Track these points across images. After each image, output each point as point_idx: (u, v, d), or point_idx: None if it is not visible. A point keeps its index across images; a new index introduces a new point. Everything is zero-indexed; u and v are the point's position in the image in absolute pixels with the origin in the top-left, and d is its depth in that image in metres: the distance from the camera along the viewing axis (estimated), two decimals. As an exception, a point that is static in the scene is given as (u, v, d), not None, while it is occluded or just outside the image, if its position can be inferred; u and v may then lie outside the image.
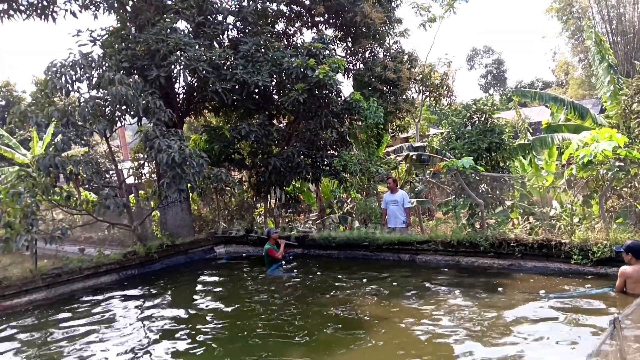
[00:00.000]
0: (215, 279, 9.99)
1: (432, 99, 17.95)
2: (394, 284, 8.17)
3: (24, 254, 14.73)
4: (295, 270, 9.65)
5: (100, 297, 9.15)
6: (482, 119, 11.83)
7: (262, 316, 7.06)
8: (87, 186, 11.42)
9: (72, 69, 10.06)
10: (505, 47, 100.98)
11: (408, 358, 5.23)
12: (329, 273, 9.21)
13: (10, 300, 9.04)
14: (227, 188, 14.35)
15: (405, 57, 15.67)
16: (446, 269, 8.69)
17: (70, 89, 10.09)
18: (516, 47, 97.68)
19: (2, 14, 11.47)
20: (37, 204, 8.97)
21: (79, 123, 9.66)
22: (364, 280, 8.39)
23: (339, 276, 8.87)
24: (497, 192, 10.80)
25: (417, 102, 17.97)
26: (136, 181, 14.76)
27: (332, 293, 7.89)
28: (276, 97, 13.36)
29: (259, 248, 11.45)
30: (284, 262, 9.67)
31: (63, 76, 9.90)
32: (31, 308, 8.88)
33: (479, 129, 11.51)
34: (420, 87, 17.32)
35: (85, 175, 9.54)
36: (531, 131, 15.54)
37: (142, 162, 13.32)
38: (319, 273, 9.30)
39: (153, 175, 14.26)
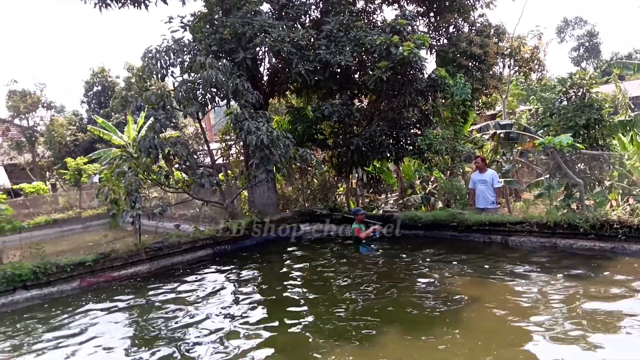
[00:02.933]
0: (302, 255, 10.23)
1: (521, 74, 17.03)
2: (485, 266, 7.95)
3: (125, 230, 15.96)
4: (381, 250, 9.67)
5: (197, 271, 9.73)
6: (579, 93, 11.09)
7: (351, 294, 7.13)
8: (179, 166, 12.07)
9: (166, 54, 10.58)
10: (598, 17, 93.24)
11: (499, 347, 5.05)
12: (415, 253, 9.14)
13: (118, 272, 9.83)
14: (309, 168, 14.59)
15: (492, 30, 14.96)
16: (541, 251, 8.33)
17: (165, 73, 10.62)
18: (610, 17, 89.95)
19: (100, 4, 12.24)
20: (139, 182, 9.60)
21: (175, 106, 10.15)
22: (454, 262, 8.25)
23: (426, 257, 8.78)
24: (596, 171, 10.15)
25: (505, 78, 17.13)
26: (224, 161, 15.40)
27: (419, 273, 7.86)
28: (357, 76, 13.30)
29: (343, 227, 11.59)
30: (372, 242, 9.70)
31: (158, 62, 10.43)
32: (137, 279, 9.64)
33: (576, 104, 10.81)
34: (509, 62, 16.48)
35: (181, 156, 10.04)
36: (632, 107, 14.37)
37: (230, 143, 13.85)
38: (405, 253, 9.25)
39: (240, 156, 14.82)
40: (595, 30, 50.78)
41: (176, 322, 6.80)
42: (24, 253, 10.44)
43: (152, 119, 10.36)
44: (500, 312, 5.89)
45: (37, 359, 6.04)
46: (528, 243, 8.74)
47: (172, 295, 8.16)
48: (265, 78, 13.58)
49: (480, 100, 15.25)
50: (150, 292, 8.58)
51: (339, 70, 12.17)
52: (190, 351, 5.68)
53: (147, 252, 10.20)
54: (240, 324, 6.45)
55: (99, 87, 31.63)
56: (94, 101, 31.59)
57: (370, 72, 12.57)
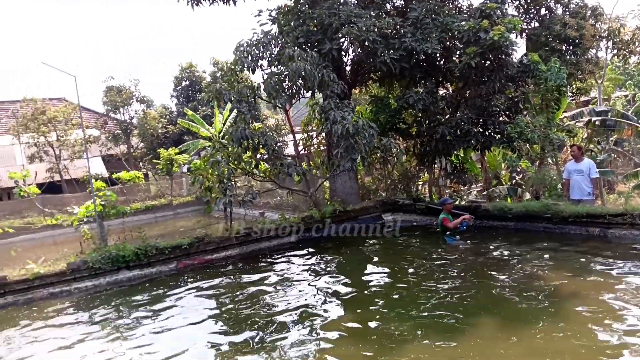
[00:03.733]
0: (385, 245, 10.25)
1: (620, 57, 15.85)
2: (582, 259, 7.57)
3: (213, 217, 16.80)
4: (469, 241, 9.48)
5: (283, 256, 10.07)
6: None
7: (436, 285, 7.03)
8: (266, 156, 12.48)
9: (256, 47, 10.95)
10: None
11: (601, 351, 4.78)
12: (506, 245, 8.87)
13: (211, 255, 10.41)
14: (390, 157, 14.52)
15: (588, 12, 14.01)
16: (646, 246, 7.79)
17: (255, 66, 11.00)
18: None
19: (193, 1, 12.88)
20: (231, 171, 10.07)
21: (264, 98, 10.49)
22: (546, 255, 7.92)
23: (517, 249, 8.49)
24: None
25: (601, 62, 16.02)
26: (305, 151, 15.71)
27: (510, 265, 7.62)
28: (442, 63, 13.02)
29: (427, 217, 11.47)
30: (458, 233, 9.53)
31: (249, 55, 10.82)
32: (228, 262, 10.15)
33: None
34: (606, 45, 15.38)
35: (270, 146, 10.39)
36: None
37: (312, 133, 14.11)
38: (494, 245, 9.00)
39: (321, 146, 15.06)
40: None
41: (263, 305, 7.11)
42: (126, 236, 11.32)
43: (243, 110, 10.75)
44: (599, 311, 5.58)
45: (137, 330, 6.58)
46: (629, 236, 8.21)
47: (260, 279, 8.52)
48: (348, 68, 13.67)
49: (574, 86, 14.38)
50: (240, 275, 9.02)
51: (424, 57, 11.98)
52: (275, 333, 5.89)
53: (237, 238, 10.70)
54: (324, 309, 6.61)
55: (187, 82, 33.31)
56: (182, 95, 33.33)
57: (457, 59, 12.27)
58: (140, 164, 30.23)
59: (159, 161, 24.29)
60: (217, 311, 7.05)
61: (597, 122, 13.74)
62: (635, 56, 16.08)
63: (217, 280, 8.79)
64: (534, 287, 6.46)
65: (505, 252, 8.42)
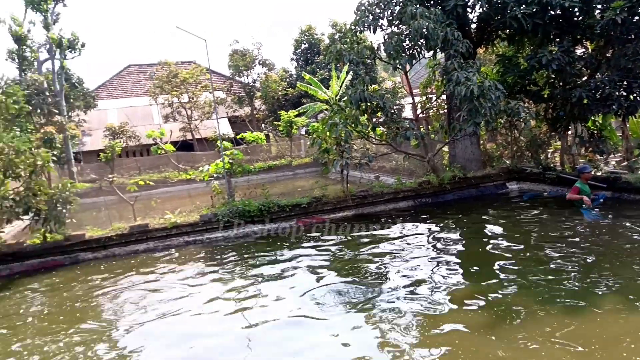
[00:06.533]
0: (507, 215, 9.74)
1: None
2: None
3: (329, 178, 17.19)
4: (610, 215, 8.55)
5: (398, 220, 10.04)
6: None
7: (564, 260, 6.56)
8: (383, 119, 12.34)
9: (377, 6, 10.70)
10: None
11: None
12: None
13: (328, 215, 10.72)
14: (517, 122, 13.57)
15: None
16: None
17: (375, 25, 10.78)
18: None
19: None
20: (349, 133, 10.14)
21: (384, 59, 10.30)
22: None
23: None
24: None
25: None
26: (423, 115, 15.27)
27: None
28: (581, 19, 11.68)
29: (557, 188, 10.66)
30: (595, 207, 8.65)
31: (370, 14, 10.62)
32: (344, 223, 10.37)
33: None
34: None
35: (389, 108, 10.24)
36: None
37: (431, 96, 13.64)
38: (634, 222, 8.07)
39: (440, 110, 14.52)
40: None
41: (375, 267, 7.19)
42: (251, 193, 12.03)
43: (361, 72, 10.68)
44: None
45: (261, 280, 7.04)
46: None
47: (374, 241, 8.60)
48: (474, 26, 12.86)
49: None
50: (355, 235, 9.18)
51: (560, 12, 10.86)
52: (389, 297, 5.93)
53: (353, 199, 10.87)
54: (439, 278, 6.49)
55: (306, 45, 33.81)
56: (301, 58, 33.97)
57: (599, 14, 10.96)
58: (262, 125, 31.65)
59: (279, 123, 25.24)
60: (332, 270, 7.28)
61: None
62: None
63: (331, 239, 9.06)
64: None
65: (649, 229, 7.55)
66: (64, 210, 9.49)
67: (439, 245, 8.05)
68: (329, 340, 5.01)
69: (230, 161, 12.27)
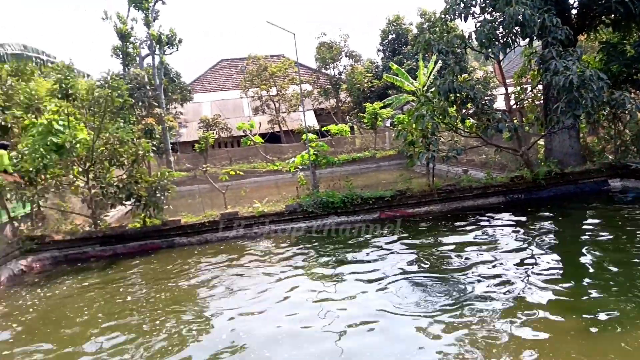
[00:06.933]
0: (608, 215, 8.99)
1: None
2: None
3: (414, 172, 16.90)
4: None
5: (487, 216, 9.64)
6: None
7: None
8: (473, 111, 11.86)
9: (469, -6, 10.28)
10: None
11: None
12: None
13: (412, 209, 10.55)
14: (622, 114, 12.47)
15: None
16: None
17: (467, 13, 10.37)
18: None
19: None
20: (436, 125, 9.88)
21: (476, 48, 9.90)
22: None
23: None
24: None
25: None
26: (517, 106, 14.49)
27: None
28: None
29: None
30: None
31: (461, 1, 10.24)
32: (429, 217, 10.16)
33: None
34: None
35: (480, 99, 9.85)
36: None
37: (526, 86, 12.89)
38: None
39: (536, 101, 13.68)
40: None
41: (460, 263, 6.99)
42: (335, 184, 12.13)
43: (450, 62, 10.35)
44: None
45: (343, 272, 7.09)
46: None
47: (460, 238, 8.34)
48: (575, 11, 11.97)
49: None
50: (440, 231, 8.95)
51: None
52: (473, 297, 5.71)
53: (440, 194, 10.60)
54: (527, 280, 6.13)
55: (393, 35, 33.32)
56: (388, 49, 33.54)
57: None
58: (347, 117, 31.75)
59: (364, 115, 25.16)
60: (416, 266, 7.16)
61: None
62: None
63: (416, 234, 8.91)
64: None
65: None
66: (162, 197, 10.17)
67: (528, 245, 7.62)
68: (421, 341, 4.89)
69: (315, 153, 12.44)
